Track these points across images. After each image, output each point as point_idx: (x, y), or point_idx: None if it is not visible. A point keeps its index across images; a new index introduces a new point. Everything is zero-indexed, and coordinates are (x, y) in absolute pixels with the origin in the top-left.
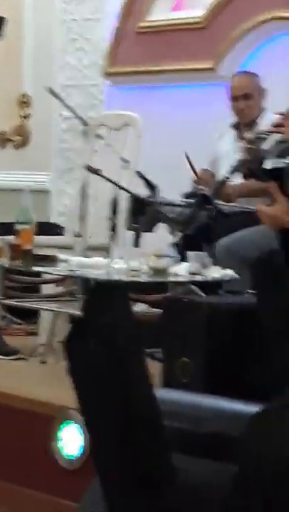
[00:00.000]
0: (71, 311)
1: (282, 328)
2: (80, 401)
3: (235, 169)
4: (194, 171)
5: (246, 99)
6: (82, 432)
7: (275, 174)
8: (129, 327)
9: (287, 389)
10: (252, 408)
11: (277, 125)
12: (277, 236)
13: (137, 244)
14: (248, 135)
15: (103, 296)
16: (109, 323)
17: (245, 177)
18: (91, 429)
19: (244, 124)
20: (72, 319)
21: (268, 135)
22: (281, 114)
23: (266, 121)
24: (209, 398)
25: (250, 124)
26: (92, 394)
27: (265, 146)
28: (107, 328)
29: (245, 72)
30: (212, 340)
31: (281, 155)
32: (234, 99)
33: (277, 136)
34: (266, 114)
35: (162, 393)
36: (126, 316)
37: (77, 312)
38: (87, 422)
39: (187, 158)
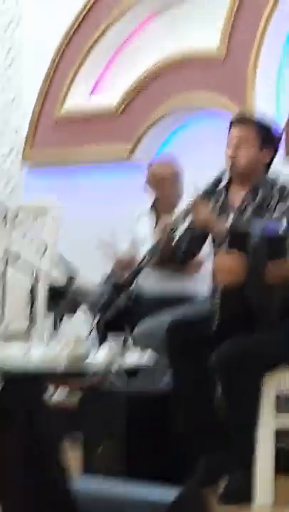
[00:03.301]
0: None
1: (191, 396)
2: None
3: (149, 255)
4: (113, 257)
5: (172, 183)
6: None
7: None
8: (45, 414)
9: (199, 468)
10: (170, 493)
11: (192, 209)
12: (220, 291)
13: (56, 328)
14: (163, 222)
15: (20, 385)
16: (26, 411)
17: (158, 262)
18: None
19: (164, 208)
20: None
21: (183, 219)
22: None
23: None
24: (129, 485)
25: (170, 207)
26: (9, 481)
27: (180, 230)
28: (23, 416)
29: (166, 157)
30: (131, 426)
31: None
32: (158, 183)
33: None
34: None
35: (82, 480)
36: (42, 404)
37: None
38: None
39: (104, 246)
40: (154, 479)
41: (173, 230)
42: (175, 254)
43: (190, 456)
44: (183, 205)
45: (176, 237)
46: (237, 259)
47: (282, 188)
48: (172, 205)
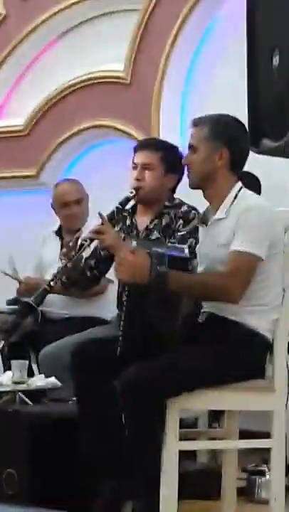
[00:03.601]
0: None
1: (96, 419)
2: None
3: (56, 277)
4: (18, 281)
5: (78, 205)
6: None
7: None
8: None
9: (104, 492)
10: None
11: (98, 232)
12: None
13: None
14: (70, 243)
15: None
16: None
17: (65, 285)
18: None
19: (69, 230)
20: None
21: (89, 242)
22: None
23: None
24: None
25: (75, 230)
26: None
27: (86, 253)
28: None
29: (71, 179)
30: (35, 450)
31: None
32: (64, 204)
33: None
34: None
35: None
36: None
37: None
38: None
39: (6, 274)
40: (60, 504)
41: (79, 253)
42: (81, 277)
43: (96, 480)
44: (89, 227)
45: (82, 260)
46: (141, 258)
47: (187, 212)
48: (77, 228)
